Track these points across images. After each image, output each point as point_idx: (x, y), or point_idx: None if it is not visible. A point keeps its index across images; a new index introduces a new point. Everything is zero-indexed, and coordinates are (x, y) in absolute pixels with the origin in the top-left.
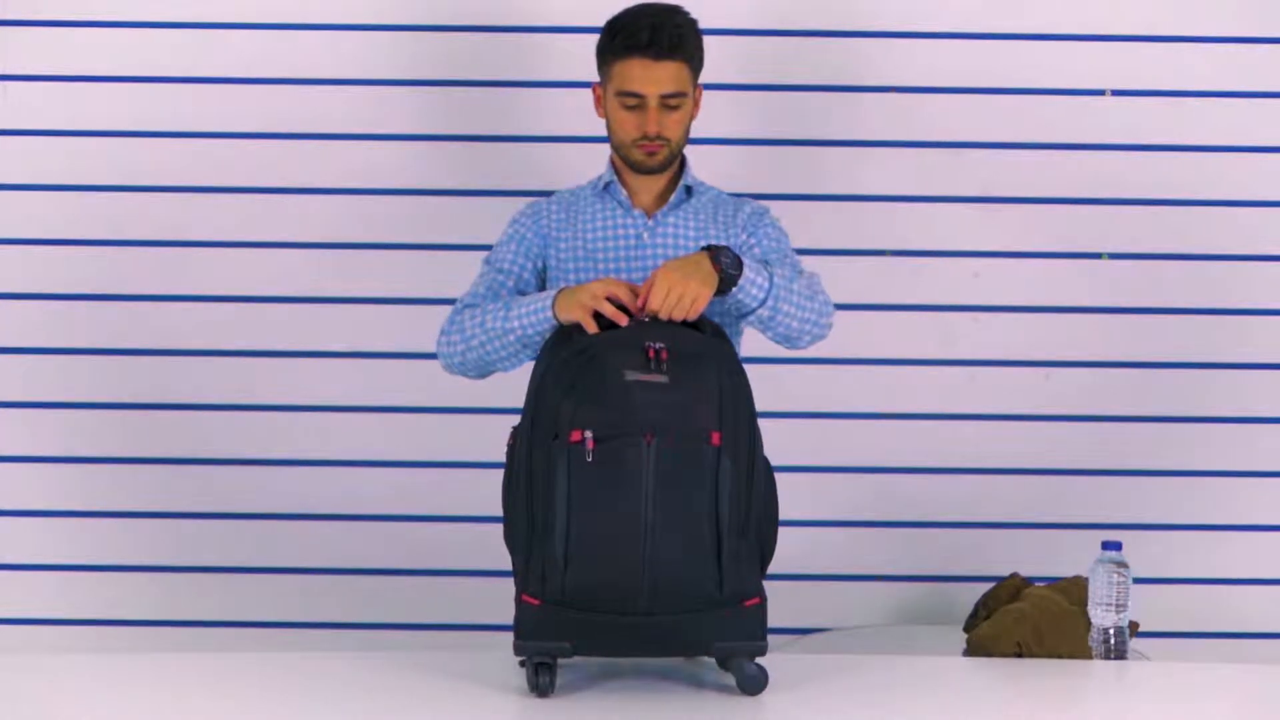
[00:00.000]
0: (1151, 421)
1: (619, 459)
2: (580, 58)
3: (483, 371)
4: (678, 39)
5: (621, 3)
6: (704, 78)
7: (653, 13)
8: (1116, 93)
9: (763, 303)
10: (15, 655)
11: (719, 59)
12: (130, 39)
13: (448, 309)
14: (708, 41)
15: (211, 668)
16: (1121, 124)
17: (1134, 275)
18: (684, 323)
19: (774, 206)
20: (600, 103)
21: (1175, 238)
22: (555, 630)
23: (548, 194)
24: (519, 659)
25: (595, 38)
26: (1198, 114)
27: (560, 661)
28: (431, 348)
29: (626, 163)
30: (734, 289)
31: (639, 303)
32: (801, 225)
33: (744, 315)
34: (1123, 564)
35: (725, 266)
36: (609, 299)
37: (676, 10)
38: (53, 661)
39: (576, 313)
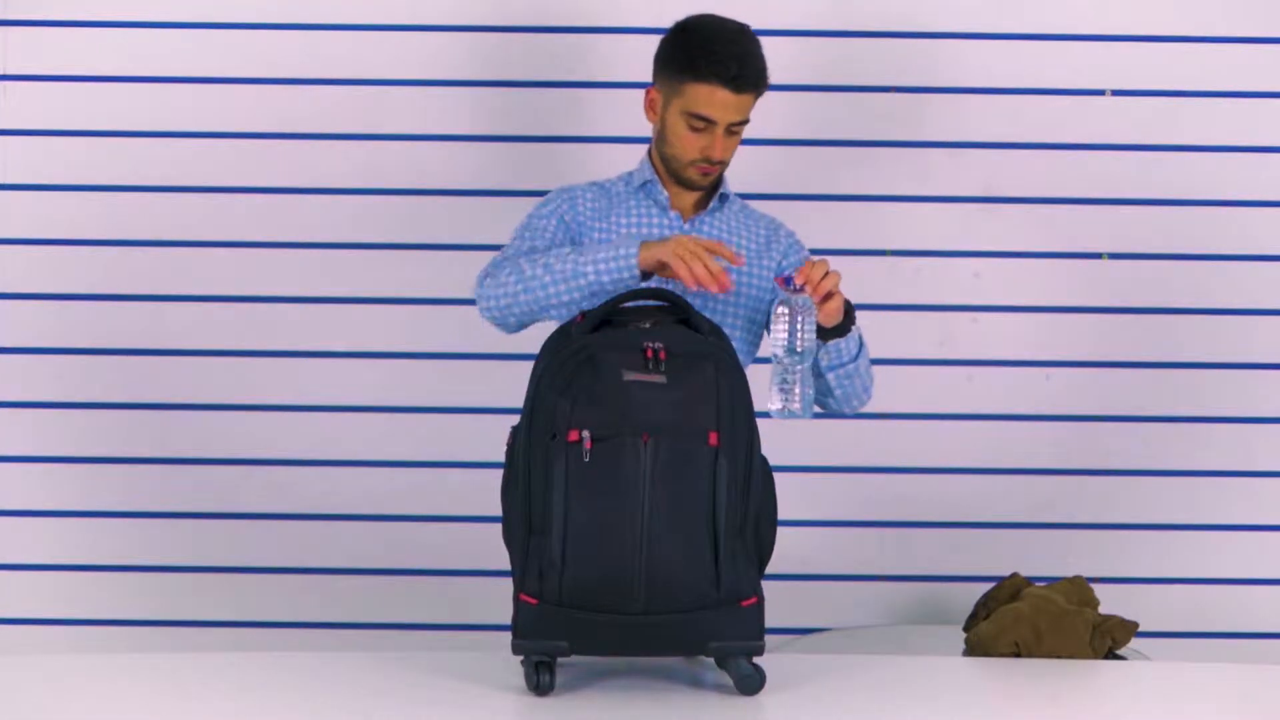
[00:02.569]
0: (1151, 421)
1: (616, 459)
2: (583, 58)
3: (527, 320)
4: (760, 74)
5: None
6: None
7: (734, 38)
8: (1116, 93)
9: (855, 357)
10: (15, 655)
11: None
12: (131, 39)
13: (448, 309)
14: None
15: (212, 668)
16: (1121, 124)
17: (1134, 275)
18: (682, 322)
19: (774, 207)
20: (654, 107)
21: (1175, 238)
22: (553, 629)
23: (545, 193)
24: (518, 658)
25: (592, 37)
26: (1198, 114)
27: (559, 661)
28: (432, 348)
29: (676, 178)
30: (850, 328)
31: (799, 279)
32: (802, 225)
33: (833, 367)
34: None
35: (849, 304)
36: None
37: (754, 39)
38: (53, 661)
39: (674, 262)
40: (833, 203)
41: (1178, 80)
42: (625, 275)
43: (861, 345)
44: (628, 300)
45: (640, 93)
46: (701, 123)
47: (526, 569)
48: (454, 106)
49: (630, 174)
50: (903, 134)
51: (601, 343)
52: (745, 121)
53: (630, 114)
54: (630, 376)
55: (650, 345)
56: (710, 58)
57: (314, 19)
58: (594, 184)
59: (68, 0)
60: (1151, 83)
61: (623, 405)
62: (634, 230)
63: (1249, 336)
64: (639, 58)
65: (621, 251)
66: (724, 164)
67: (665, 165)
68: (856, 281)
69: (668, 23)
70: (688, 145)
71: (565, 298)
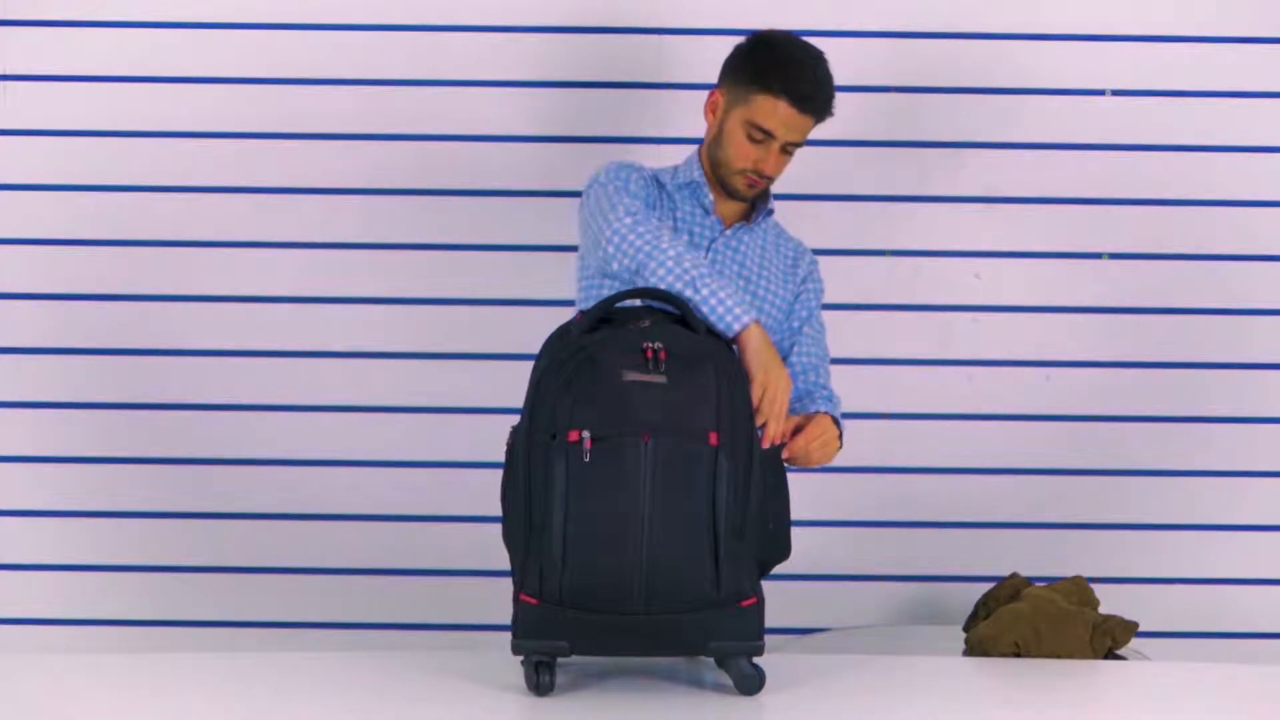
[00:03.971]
0: (1151, 421)
1: (616, 459)
2: (595, 59)
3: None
4: (828, 101)
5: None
6: (704, 77)
7: (811, 62)
8: (1116, 93)
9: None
10: (15, 655)
11: (720, 59)
12: (130, 39)
13: (447, 309)
14: (711, 43)
15: (211, 668)
16: (1121, 124)
17: (1134, 275)
18: (680, 321)
19: (775, 206)
20: (715, 110)
21: (1175, 238)
22: (553, 629)
23: (558, 194)
24: (518, 658)
25: (602, 37)
26: (1198, 114)
27: (559, 661)
28: (433, 348)
29: (722, 184)
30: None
31: (781, 432)
32: (802, 225)
33: None
34: None
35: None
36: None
37: (828, 67)
38: (53, 661)
39: (757, 386)
40: (833, 203)
41: (1178, 80)
42: (719, 325)
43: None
44: (624, 299)
45: (660, 94)
46: (761, 134)
47: (526, 569)
48: (454, 106)
49: (675, 168)
50: (903, 134)
51: (601, 343)
52: (801, 144)
53: (644, 117)
54: (630, 377)
55: (650, 345)
56: (786, 74)
57: (315, 19)
58: (648, 169)
59: (68, 0)
60: (1151, 83)
61: (623, 405)
62: (682, 224)
63: (1249, 336)
64: (643, 58)
65: (737, 312)
66: (771, 180)
67: (714, 169)
68: (857, 281)
69: (678, 24)
70: (743, 154)
71: (662, 285)
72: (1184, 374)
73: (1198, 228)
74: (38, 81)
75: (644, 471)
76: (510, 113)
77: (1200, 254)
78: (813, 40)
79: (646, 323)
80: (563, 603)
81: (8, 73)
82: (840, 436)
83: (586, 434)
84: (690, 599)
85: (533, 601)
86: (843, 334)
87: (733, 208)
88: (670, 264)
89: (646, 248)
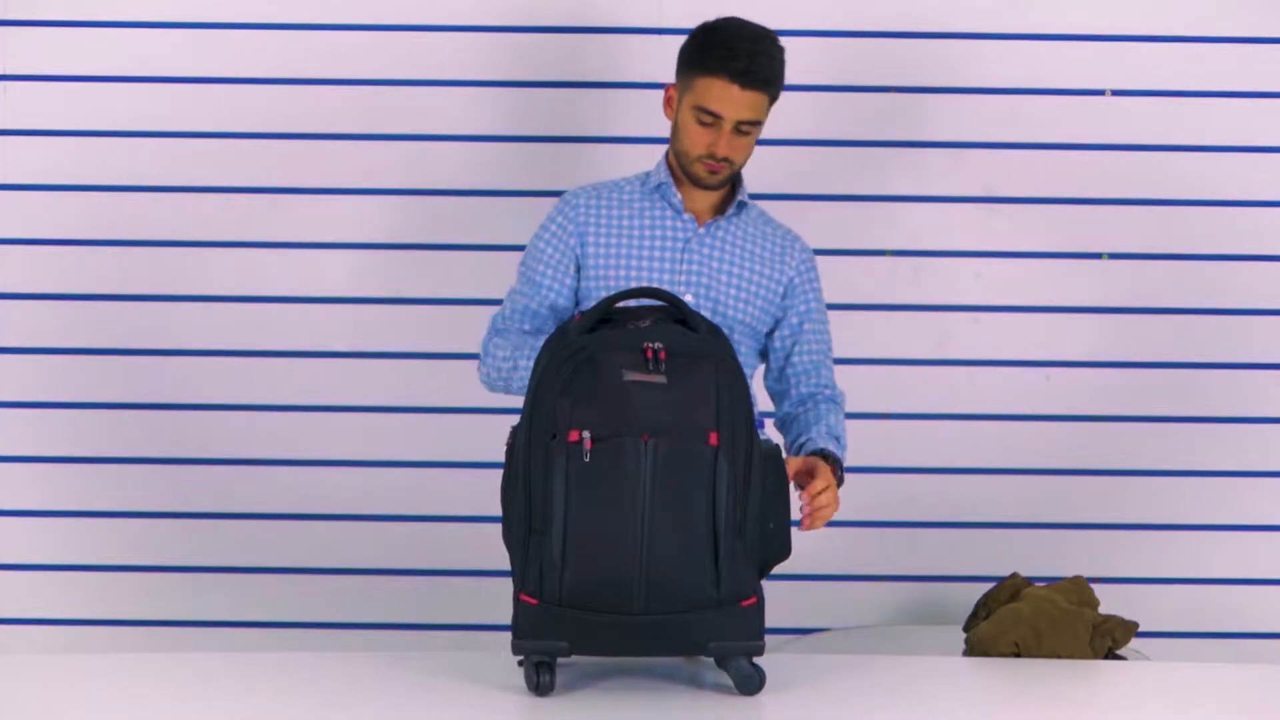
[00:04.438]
0: (1151, 421)
1: (617, 459)
2: (595, 59)
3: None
4: (771, 72)
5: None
6: None
7: (753, 38)
8: (1116, 93)
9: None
10: (15, 655)
11: None
12: (131, 39)
13: (447, 309)
14: None
15: (211, 668)
16: (1121, 124)
17: (1134, 275)
18: (679, 321)
19: (775, 206)
20: (671, 105)
21: (1175, 238)
22: (553, 629)
23: (558, 194)
24: (518, 658)
25: (601, 37)
26: (1198, 114)
27: (559, 661)
28: (432, 348)
29: (685, 174)
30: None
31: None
32: (803, 225)
33: None
34: None
35: (840, 477)
36: None
37: (774, 40)
38: (53, 661)
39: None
40: (833, 203)
41: (1178, 80)
42: None
43: (841, 473)
44: (624, 299)
45: (660, 95)
46: (710, 117)
47: (527, 569)
48: (454, 106)
49: (647, 174)
50: (903, 134)
51: (602, 343)
52: (757, 123)
53: (644, 115)
54: (630, 377)
55: (650, 345)
56: (722, 52)
57: (314, 19)
58: (602, 184)
59: (68, 0)
60: (1151, 83)
61: (623, 405)
62: (647, 232)
63: (1249, 336)
64: (647, 57)
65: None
66: (732, 163)
67: (679, 163)
68: (857, 281)
69: (678, 23)
70: (696, 140)
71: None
72: (1184, 374)
73: (1198, 228)
74: (38, 81)
75: (644, 472)
76: (511, 113)
77: (1200, 254)
78: (812, 40)
79: (647, 323)
80: (563, 603)
81: (8, 73)
82: (841, 472)
83: (587, 434)
84: (690, 599)
85: (533, 602)
86: (843, 334)
87: (706, 203)
88: (518, 379)
89: (508, 379)
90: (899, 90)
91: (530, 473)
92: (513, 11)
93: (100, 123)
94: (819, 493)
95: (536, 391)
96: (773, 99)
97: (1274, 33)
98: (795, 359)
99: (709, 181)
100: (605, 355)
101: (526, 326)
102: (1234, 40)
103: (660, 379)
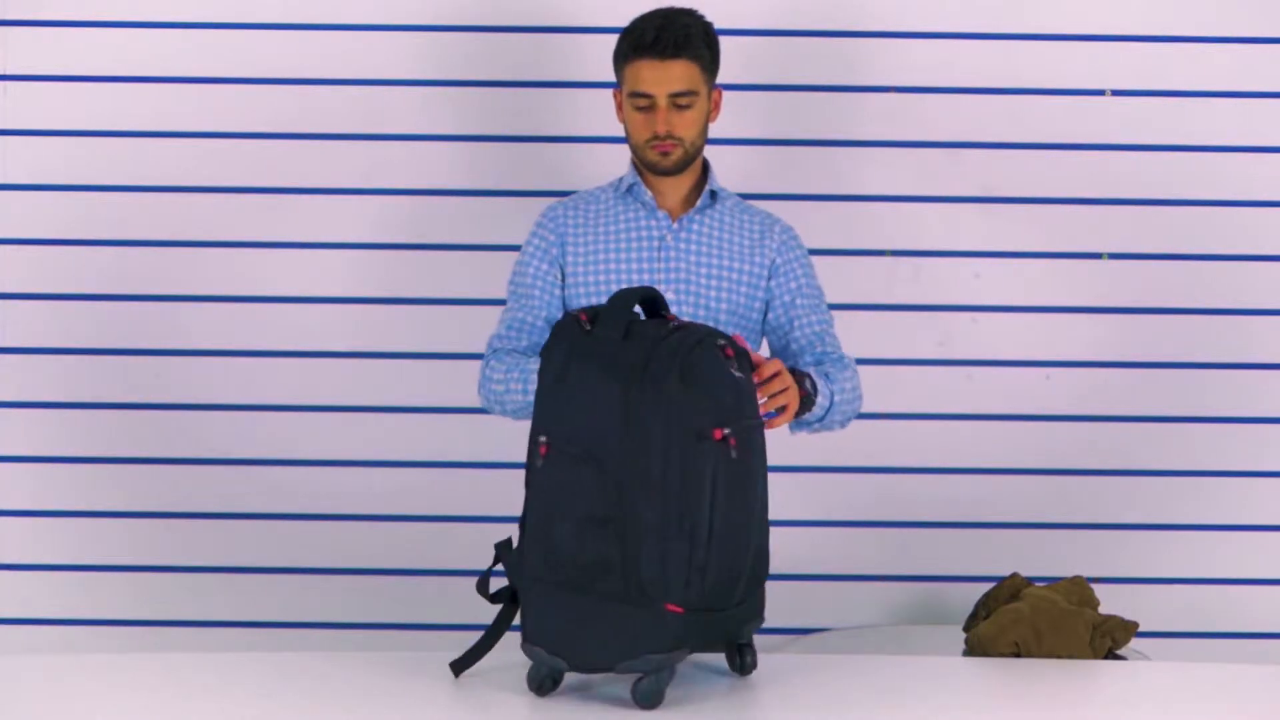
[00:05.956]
0: (1151, 421)
1: (750, 453)
2: (595, 58)
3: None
4: (684, 38)
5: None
6: None
7: (662, 15)
8: (1116, 93)
9: (820, 419)
10: (15, 655)
11: (723, 60)
12: (131, 39)
13: (446, 309)
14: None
15: (211, 668)
16: (1121, 124)
17: (1134, 275)
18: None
19: (775, 206)
20: (620, 107)
21: (1175, 238)
22: (697, 635)
23: (556, 194)
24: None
25: (602, 37)
26: (1198, 114)
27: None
28: (432, 348)
29: (643, 164)
30: (810, 408)
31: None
32: (802, 225)
33: (800, 427)
34: None
35: (809, 392)
36: None
37: (687, 11)
38: (53, 661)
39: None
40: (833, 203)
41: (1178, 80)
42: None
43: (831, 406)
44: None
45: None
46: (643, 100)
47: (669, 580)
48: (454, 106)
49: (619, 179)
50: (903, 134)
51: (691, 342)
52: (692, 94)
53: None
54: (734, 371)
55: (723, 343)
56: (632, 36)
57: (314, 19)
58: (577, 195)
59: (68, 0)
60: (1151, 83)
61: (740, 400)
62: (623, 234)
63: (1249, 336)
64: None
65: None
66: (680, 141)
67: (635, 157)
68: (857, 281)
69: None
70: (639, 128)
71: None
72: (1184, 374)
73: (1198, 228)
74: (38, 81)
75: (758, 466)
76: (511, 113)
77: (1200, 254)
78: (812, 40)
79: (674, 323)
80: (704, 608)
81: (8, 73)
82: (812, 390)
83: (728, 430)
84: (751, 583)
85: (680, 612)
86: (843, 334)
87: (678, 196)
88: (520, 401)
89: (507, 400)
90: (899, 90)
91: (684, 476)
92: (514, 12)
93: (100, 123)
94: (770, 377)
95: (664, 395)
96: (704, 67)
97: (1274, 33)
98: (796, 334)
99: (664, 165)
100: (709, 353)
101: (524, 343)
102: (1234, 40)
103: (741, 375)
